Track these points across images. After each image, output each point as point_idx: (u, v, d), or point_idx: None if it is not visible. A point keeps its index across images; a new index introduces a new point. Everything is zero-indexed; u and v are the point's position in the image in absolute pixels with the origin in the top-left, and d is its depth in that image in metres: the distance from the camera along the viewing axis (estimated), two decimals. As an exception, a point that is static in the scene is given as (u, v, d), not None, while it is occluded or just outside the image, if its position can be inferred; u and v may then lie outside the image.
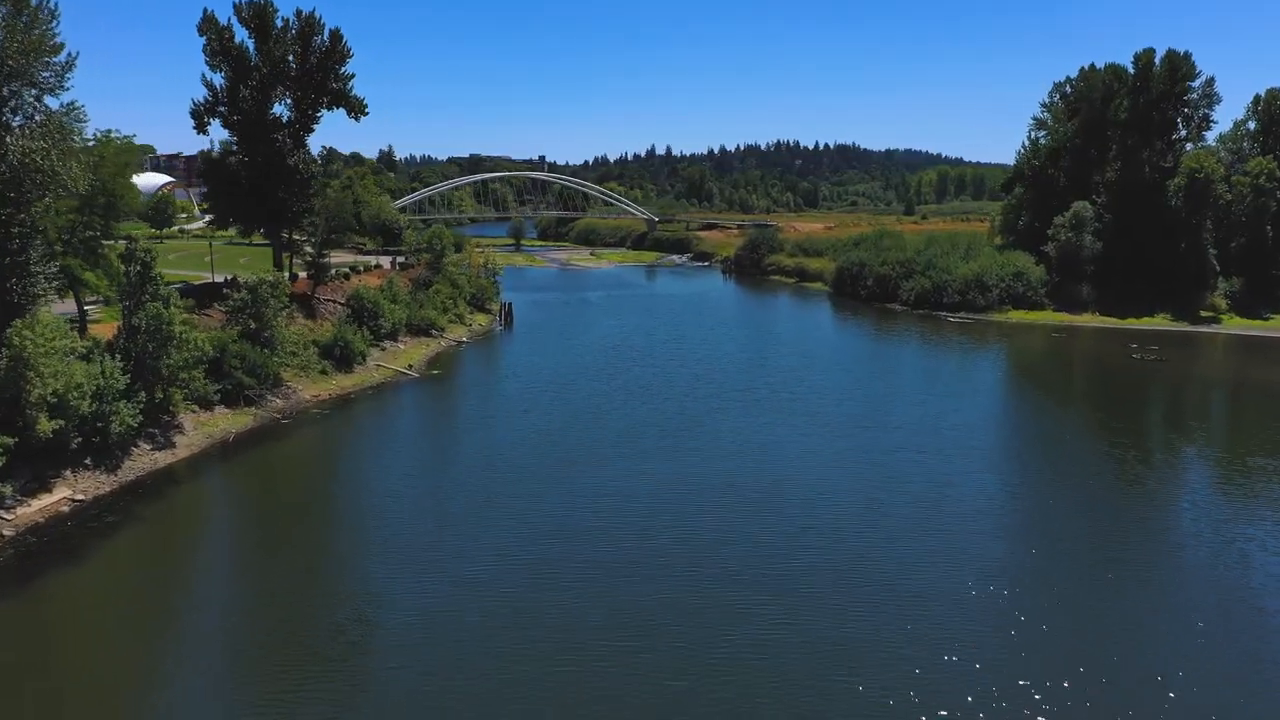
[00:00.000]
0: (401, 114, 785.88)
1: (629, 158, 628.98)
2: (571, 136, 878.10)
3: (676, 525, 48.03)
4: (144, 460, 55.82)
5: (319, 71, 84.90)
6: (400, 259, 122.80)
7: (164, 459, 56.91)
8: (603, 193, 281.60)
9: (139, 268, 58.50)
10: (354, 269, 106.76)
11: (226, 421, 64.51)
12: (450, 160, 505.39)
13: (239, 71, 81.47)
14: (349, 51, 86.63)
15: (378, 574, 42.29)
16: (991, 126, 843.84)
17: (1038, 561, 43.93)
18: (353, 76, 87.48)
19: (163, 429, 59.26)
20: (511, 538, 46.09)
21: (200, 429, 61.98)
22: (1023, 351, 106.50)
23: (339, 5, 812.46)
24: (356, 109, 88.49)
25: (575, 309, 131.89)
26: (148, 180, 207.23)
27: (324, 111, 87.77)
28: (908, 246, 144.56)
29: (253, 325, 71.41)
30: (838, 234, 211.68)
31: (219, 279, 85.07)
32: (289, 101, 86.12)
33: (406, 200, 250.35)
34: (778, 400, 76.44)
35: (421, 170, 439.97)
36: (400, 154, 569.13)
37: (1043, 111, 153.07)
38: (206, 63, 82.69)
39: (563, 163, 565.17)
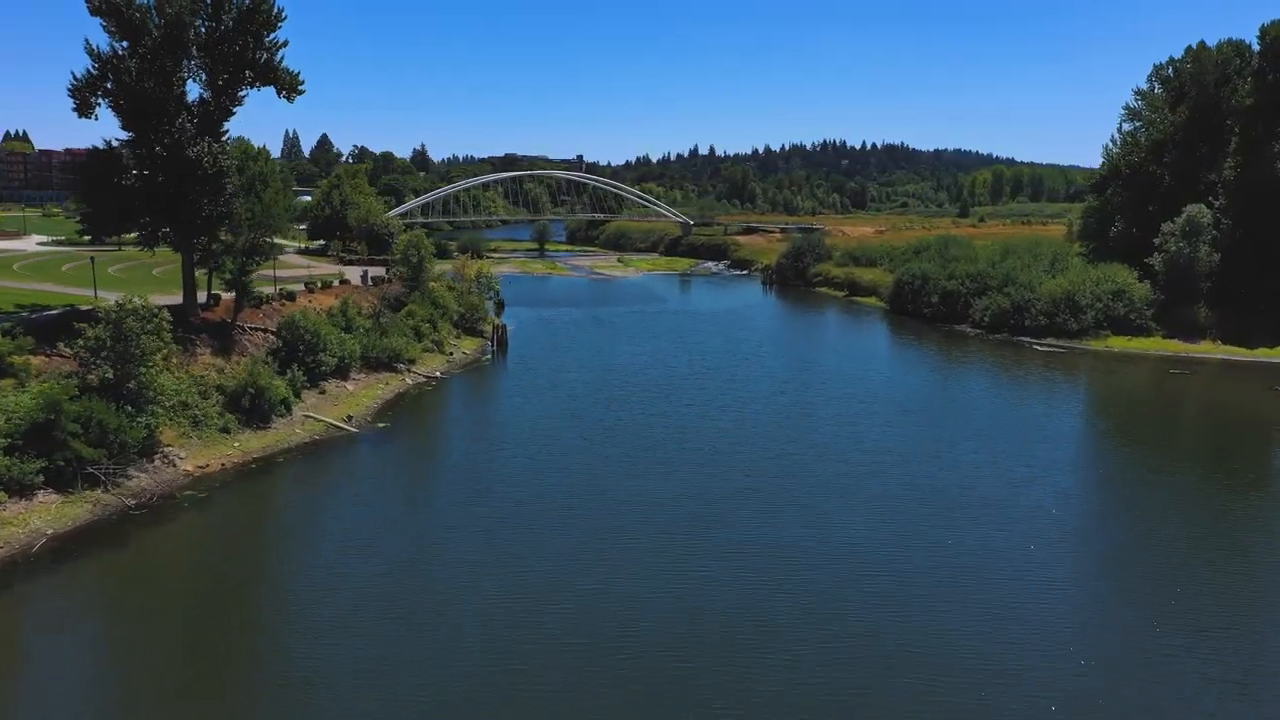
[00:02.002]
0: (439, 113, 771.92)
1: (671, 158, 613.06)
2: (612, 136, 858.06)
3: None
4: None
5: (237, 38, 65.98)
6: (378, 271, 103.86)
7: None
8: (636, 195, 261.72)
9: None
10: (310, 285, 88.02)
11: (44, 516, 45.59)
12: (483, 160, 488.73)
13: (128, 35, 62.83)
14: (279, 14, 67.68)
15: None
16: (1045, 126, 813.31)
17: None
18: (283, 45, 68.54)
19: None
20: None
21: (-7, 531, 43.23)
22: (1135, 394, 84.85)
23: (377, 5, 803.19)
24: (288, 86, 69.50)
25: (588, 330, 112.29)
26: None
27: (248, 90, 68.86)
28: (979, 257, 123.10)
29: (109, 374, 52.49)
30: (890, 239, 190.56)
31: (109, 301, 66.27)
32: (204, 78, 67.34)
33: (425, 199, 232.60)
34: (826, 474, 56.09)
35: (451, 170, 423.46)
36: (440, 154, 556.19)
37: (1136, 100, 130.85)
38: (104, 28, 64.23)
39: (604, 163, 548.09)
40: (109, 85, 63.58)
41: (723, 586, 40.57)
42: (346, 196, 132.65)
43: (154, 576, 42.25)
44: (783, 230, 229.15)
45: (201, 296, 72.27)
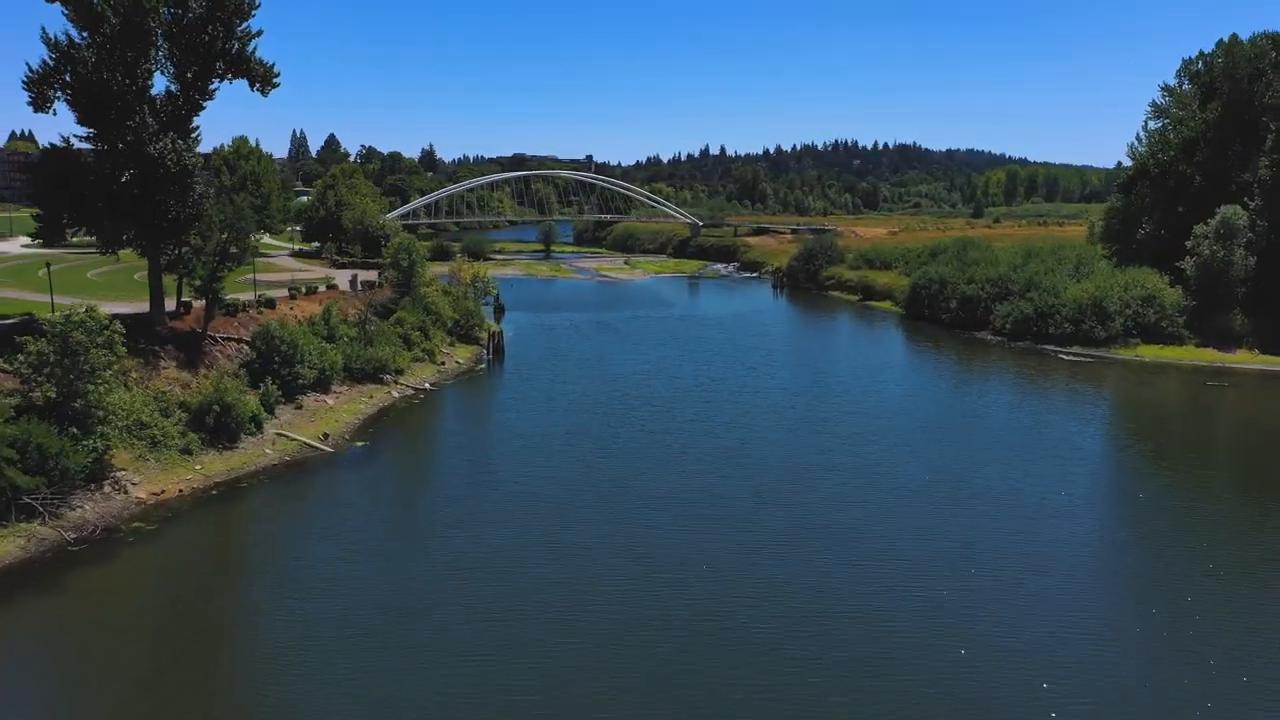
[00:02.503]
0: (448, 113, 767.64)
1: (682, 158, 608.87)
2: (623, 137, 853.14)
3: None
4: None
5: (205, 27, 61.21)
6: (370, 275, 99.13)
7: None
8: (644, 195, 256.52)
9: None
10: (294, 290, 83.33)
11: (-31, 554, 40.94)
12: (491, 160, 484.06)
13: (86, 23, 58.13)
14: (252, 1, 62.88)
15: None
16: (1059, 126, 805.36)
17: None
18: (256, 35, 63.83)
19: None
20: None
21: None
22: (1171, 409, 79.38)
23: (384, 5, 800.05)
24: (261, 79, 64.69)
25: (590, 336, 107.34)
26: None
27: (218, 83, 64.08)
28: (999, 260, 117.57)
29: (53, 393, 47.78)
30: (904, 240, 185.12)
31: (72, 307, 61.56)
32: (171, 70, 62.62)
33: (426, 200, 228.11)
34: (838, 506, 50.96)
35: (459, 170, 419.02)
36: (450, 155, 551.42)
37: (1163, 96, 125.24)
38: (65, 16, 59.60)
39: (614, 163, 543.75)
40: (67, 78, 58.92)
41: (717, 639, 35.60)
42: (342, 197, 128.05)
43: (85, 625, 37.47)
44: (794, 231, 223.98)
45: (171, 304, 67.59)
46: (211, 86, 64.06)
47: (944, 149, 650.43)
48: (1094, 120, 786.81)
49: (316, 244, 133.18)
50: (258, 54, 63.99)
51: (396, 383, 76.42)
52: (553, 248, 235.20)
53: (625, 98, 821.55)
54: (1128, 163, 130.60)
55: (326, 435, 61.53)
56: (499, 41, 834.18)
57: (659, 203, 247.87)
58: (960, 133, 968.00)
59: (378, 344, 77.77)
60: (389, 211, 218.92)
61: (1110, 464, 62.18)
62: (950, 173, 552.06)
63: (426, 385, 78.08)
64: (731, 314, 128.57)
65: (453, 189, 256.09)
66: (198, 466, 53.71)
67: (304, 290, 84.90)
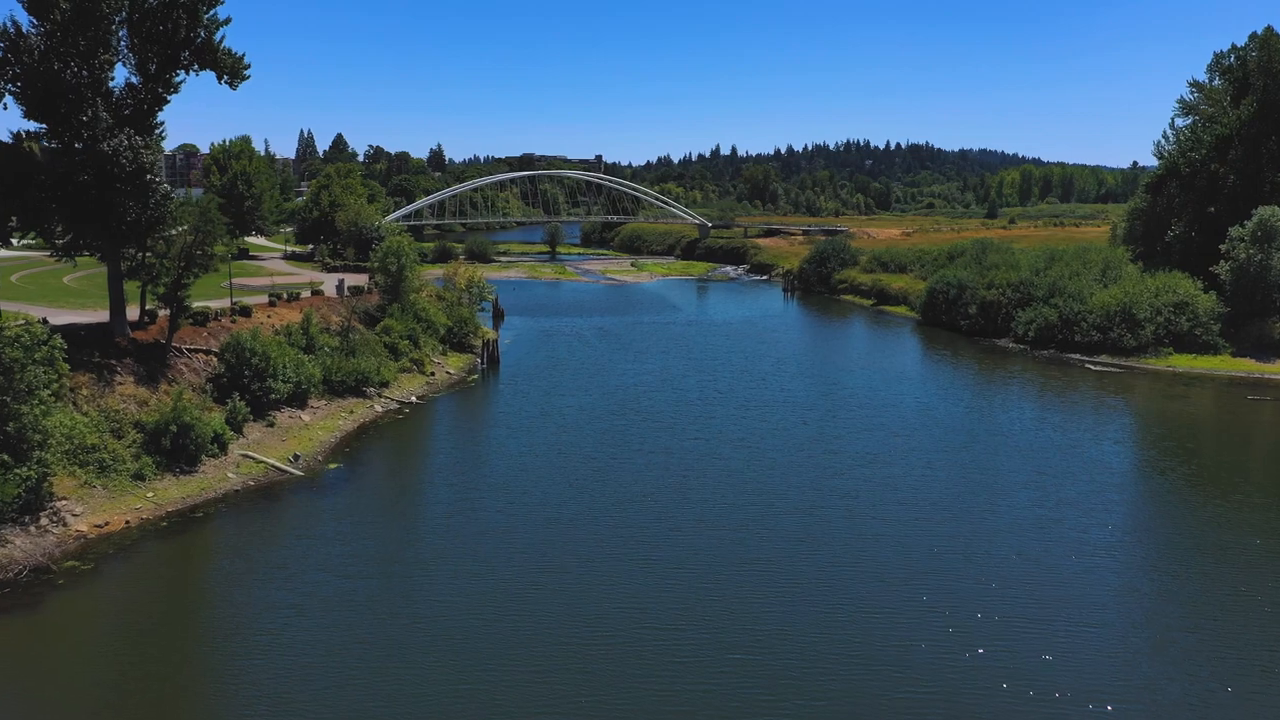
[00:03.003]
0: (457, 114, 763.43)
1: (692, 158, 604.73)
2: (633, 137, 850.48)
3: None
4: None
5: (168, 14, 56.49)
6: (359, 280, 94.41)
7: None
8: (652, 196, 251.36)
9: None
10: (274, 297, 78.66)
11: None
12: (500, 160, 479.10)
13: (36, 10, 53.49)
14: (220, -15, 58.21)
15: None
16: (1072, 125, 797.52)
17: None
18: (224, 23, 59.07)
19: None
20: None
21: None
22: (1211, 426, 73.80)
23: (394, 5, 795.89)
24: (230, 71, 60.00)
25: (591, 344, 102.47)
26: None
27: (184, 75, 59.37)
28: (1020, 263, 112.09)
29: (-20, 416, 43.11)
30: (918, 241, 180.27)
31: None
32: (133, 61, 57.95)
33: (427, 201, 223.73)
34: (855, 537, 45.90)
35: (466, 170, 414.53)
36: (460, 155, 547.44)
37: (1193, 93, 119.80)
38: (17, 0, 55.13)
39: (624, 164, 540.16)
40: (16, 69, 54.26)
41: (718, 696, 30.62)
42: (336, 197, 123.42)
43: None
44: (805, 232, 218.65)
45: (135, 313, 62.96)
46: (176, 79, 59.37)
47: (957, 149, 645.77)
48: (1107, 120, 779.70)
49: (311, 247, 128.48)
50: (225, 43, 59.16)
51: (380, 396, 71.64)
52: (559, 249, 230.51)
53: (636, 98, 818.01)
54: (1144, 162, 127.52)
55: (297, 456, 56.74)
56: (509, 42, 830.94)
57: (667, 203, 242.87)
58: (973, 133, 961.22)
59: (361, 354, 73.06)
60: (393, 212, 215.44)
61: (1149, 490, 56.86)
62: (963, 173, 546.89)
63: (413, 398, 73.28)
64: (740, 319, 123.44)
65: (457, 189, 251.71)
66: (150, 494, 48.97)
67: (285, 296, 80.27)
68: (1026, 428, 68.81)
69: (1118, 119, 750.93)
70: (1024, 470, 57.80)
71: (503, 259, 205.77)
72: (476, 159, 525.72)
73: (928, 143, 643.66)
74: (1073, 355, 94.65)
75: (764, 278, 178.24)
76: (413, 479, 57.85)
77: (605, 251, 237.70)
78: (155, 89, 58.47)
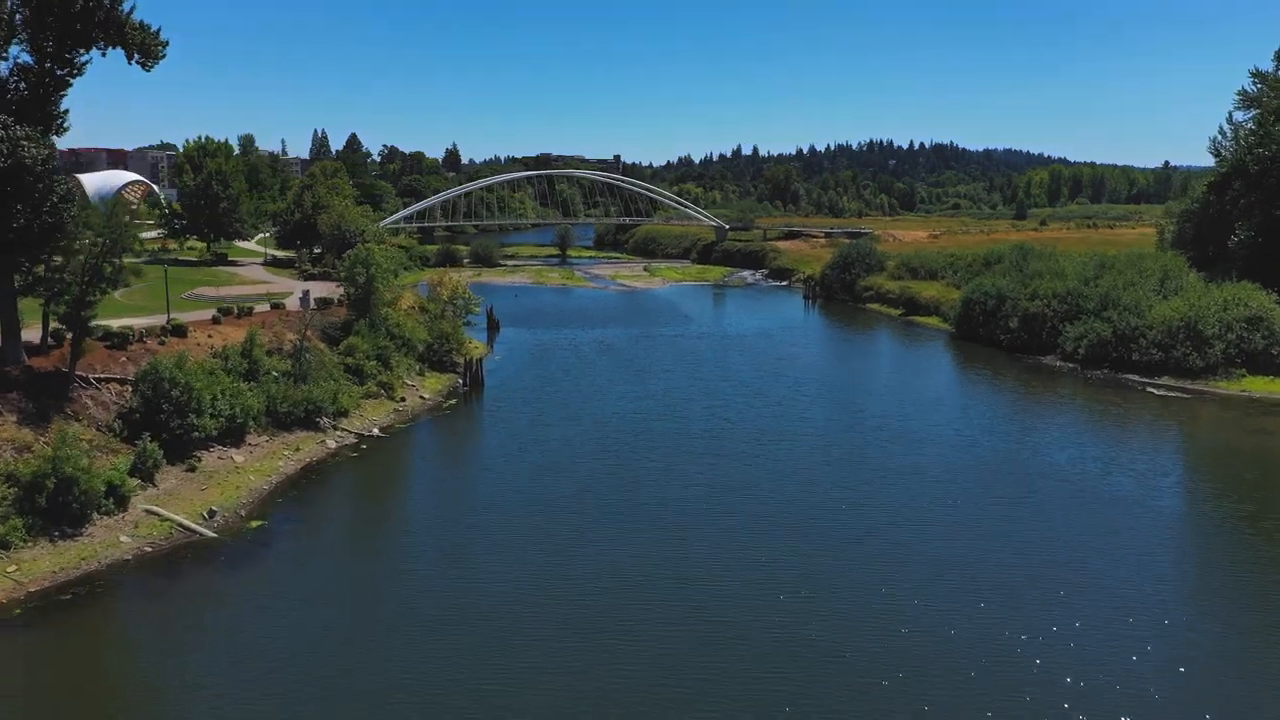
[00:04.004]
0: (474, 114, 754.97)
1: (713, 158, 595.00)
2: (654, 137, 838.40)
3: None
4: None
5: (67, -17, 47.16)
6: (328, 290, 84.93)
7: None
8: (668, 197, 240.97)
9: None
10: (223, 312, 69.29)
11: None
12: (516, 160, 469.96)
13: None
14: (129, -50, 48.76)
15: None
16: (1099, 125, 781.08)
17: None
18: (133, -7, 49.61)
19: None
20: None
21: None
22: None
23: (410, 4, 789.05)
24: (142, 50, 50.65)
25: (590, 360, 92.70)
26: (106, 179, 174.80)
27: (85, 55, 49.95)
28: (1068, 271, 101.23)
29: None
30: (946, 244, 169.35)
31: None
32: (25, 39, 48.65)
33: (428, 202, 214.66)
34: (893, 636, 35.80)
35: (480, 170, 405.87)
36: (480, 155, 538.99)
37: (1255, 84, 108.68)
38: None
39: (644, 164, 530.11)
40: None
41: None
42: (320, 199, 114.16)
43: None
44: (827, 235, 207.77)
45: (34, 335, 53.64)
46: (80, 59, 49.92)
47: (981, 148, 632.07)
48: (1136, 119, 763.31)
49: (292, 252, 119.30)
50: (135, 17, 49.66)
51: (336, 428, 62.06)
52: (570, 252, 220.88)
53: (656, 99, 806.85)
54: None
55: (212, 512, 47.11)
56: (527, 41, 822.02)
57: (682, 204, 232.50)
58: (997, 132, 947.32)
59: (317, 379, 63.51)
60: (394, 213, 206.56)
61: (1256, 559, 46.39)
62: (989, 173, 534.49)
63: (374, 430, 63.62)
64: (756, 331, 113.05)
65: (468, 186, 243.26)
66: (12, 568, 39.49)
67: (236, 311, 70.86)
68: (1091, 471, 58.26)
69: (1147, 118, 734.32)
70: (1097, 535, 47.39)
71: (509, 263, 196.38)
72: (497, 159, 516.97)
73: (952, 142, 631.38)
74: (1130, 376, 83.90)
75: (784, 283, 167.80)
76: (346, 542, 47.85)
77: (618, 254, 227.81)
78: (53, 70, 49.04)
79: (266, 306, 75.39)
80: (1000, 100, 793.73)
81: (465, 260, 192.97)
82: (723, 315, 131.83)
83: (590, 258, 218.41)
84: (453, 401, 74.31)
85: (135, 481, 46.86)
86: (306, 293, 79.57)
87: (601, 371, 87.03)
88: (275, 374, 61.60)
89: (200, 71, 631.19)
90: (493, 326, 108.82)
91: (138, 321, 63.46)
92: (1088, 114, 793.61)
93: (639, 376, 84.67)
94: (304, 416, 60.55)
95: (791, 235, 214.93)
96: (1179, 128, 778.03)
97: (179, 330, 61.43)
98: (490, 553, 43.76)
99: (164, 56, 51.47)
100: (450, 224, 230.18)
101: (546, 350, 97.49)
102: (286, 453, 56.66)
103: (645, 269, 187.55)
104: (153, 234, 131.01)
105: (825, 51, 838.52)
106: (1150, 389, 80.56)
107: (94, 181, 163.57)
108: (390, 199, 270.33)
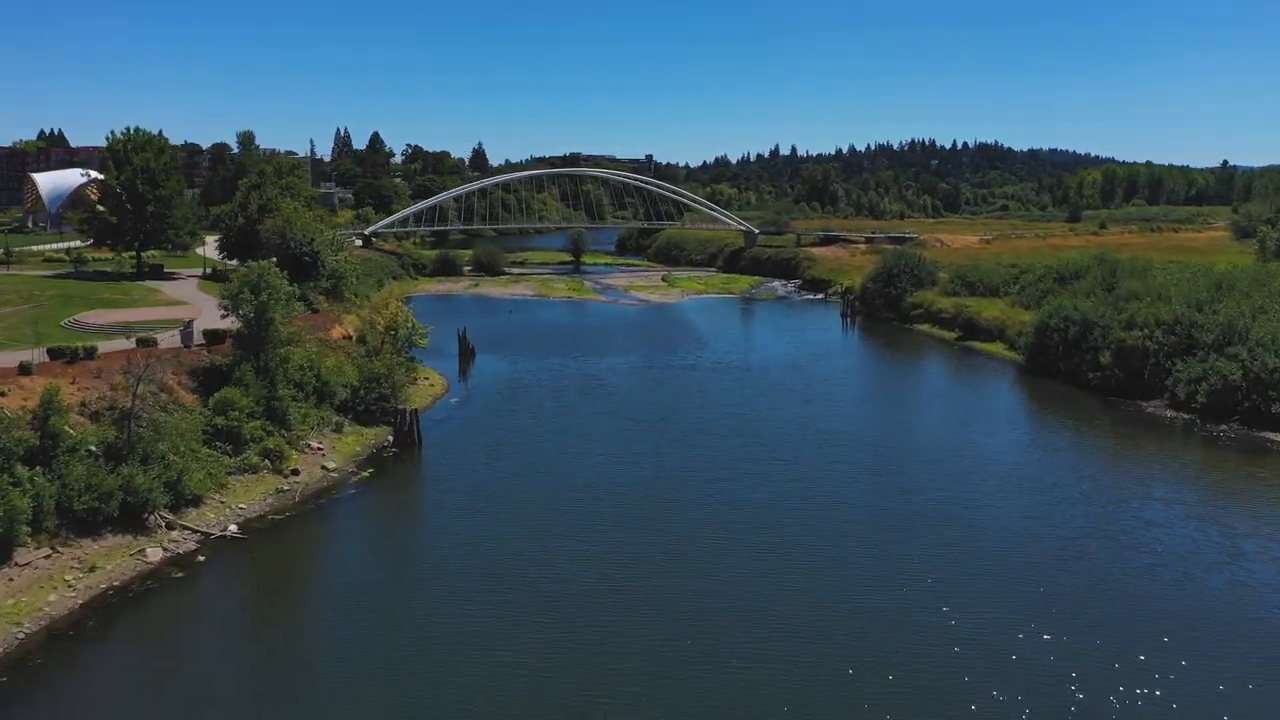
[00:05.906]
0: (502, 112, 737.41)
1: (750, 158, 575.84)
2: (690, 136, 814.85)
3: None
4: None
5: None
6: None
7: None
8: (694, 199, 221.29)
9: None
10: (53, 355, 51.51)
11: None
12: (539, 159, 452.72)
13: None
14: None
15: None
16: (1150, 124, 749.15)
17: None
18: None
19: None
20: None
21: None
22: None
23: (441, 8, 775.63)
24: None
25: (571, 402, 74.42)
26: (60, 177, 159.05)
27: None
28: (1171, 292, 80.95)
29: None
30: (1000, 251, 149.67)
31: None
32: None
33: (429, 203, 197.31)
34: None
35: (505, 170, 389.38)
36: (512, 156, 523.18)
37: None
38: None
39: (680, 164, 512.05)
40: None
41: None
42: (268, 200, 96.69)
43: None
44: (868, 240, 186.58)
45: None
46: None
47: (1026, 148, 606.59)
48: (1191, 117, 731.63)
49: (235, 263, 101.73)
50: None
51: (175, 525, 43.95)
52: (585, 259, 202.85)
53: (692, 98, 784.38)
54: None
55: None
56: (557, 41, 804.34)
57: (708, 207, 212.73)
58: (1043, 131, 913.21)
59: (154, 454, 45.39)
60: (392, 215, 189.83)
61: None
62: (1035, 173, 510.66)
63: (231, 528, 45.41)
64: (783, 362, 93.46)
65: (478, 184, 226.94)
66: None
67: (82, 353, 53.03)
68: (1243, 599, 38.74)
69: (1203, 116, 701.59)
70: (1245, 677, 28.11)
71: (514, 270, 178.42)
72: (531, 158, 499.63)
73: (996, 142, 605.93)
74: (1268, 435, 63.82)
75: (819, 296, 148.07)
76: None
77: (638, 261, 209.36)
78: None
79: (131, 342, 57.50)
80: (1046, 99, 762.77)
81: (466, 268, 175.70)
82: (745, 338, 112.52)
83: (606, 265, 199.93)
84: (367, 472, 55.85)
85: None
86: (190, 323, 61.59)
87: (579, 422, 68.38)
88: (90, 449, 43.63)
89: (233, 74, 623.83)
90: (466, 354, 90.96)
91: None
92: (1137, 113, 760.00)
93: (625, 431, 65.96)
94: (123, 514, 42.49)
95: (829, 240, 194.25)
96: (1235, 127, 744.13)
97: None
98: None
99: None
100: (467, 227, 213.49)
101: (520, 388, 79.10)
102: (68, 577, 38.55)
103: (664, 279, 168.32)
104: (78, 243, 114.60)
105: (865, 50, 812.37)
106: (1300, 455, 60.59)
107: (48, 181, 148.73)
108: (403, 199, 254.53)
